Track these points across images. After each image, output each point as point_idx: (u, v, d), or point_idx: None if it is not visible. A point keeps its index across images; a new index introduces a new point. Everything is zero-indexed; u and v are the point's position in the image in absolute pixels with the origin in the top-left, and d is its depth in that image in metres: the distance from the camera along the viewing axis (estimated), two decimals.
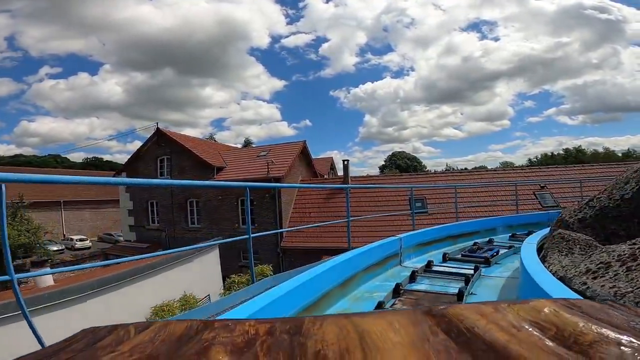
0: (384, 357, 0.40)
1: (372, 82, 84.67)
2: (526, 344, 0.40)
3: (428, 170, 43.20)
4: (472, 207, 12.81)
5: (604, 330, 0.42)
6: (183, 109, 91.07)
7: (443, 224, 4.82)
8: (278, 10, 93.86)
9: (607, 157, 42.13)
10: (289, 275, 2.98)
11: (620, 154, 44.91)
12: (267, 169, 15.28)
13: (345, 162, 16.37)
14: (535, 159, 50.85)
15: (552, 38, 71.97)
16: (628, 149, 47.91)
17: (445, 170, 42.54)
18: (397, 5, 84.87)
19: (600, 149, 48.86)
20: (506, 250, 3.77)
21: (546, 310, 0.47)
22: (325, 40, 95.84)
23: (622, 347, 0.39)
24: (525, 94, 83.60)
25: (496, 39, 77.00)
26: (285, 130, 79.16)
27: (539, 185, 13.60)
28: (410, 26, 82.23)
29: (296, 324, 0.49)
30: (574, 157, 44.27)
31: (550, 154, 51.99)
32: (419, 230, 3.88)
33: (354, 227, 14.56)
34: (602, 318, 0.45)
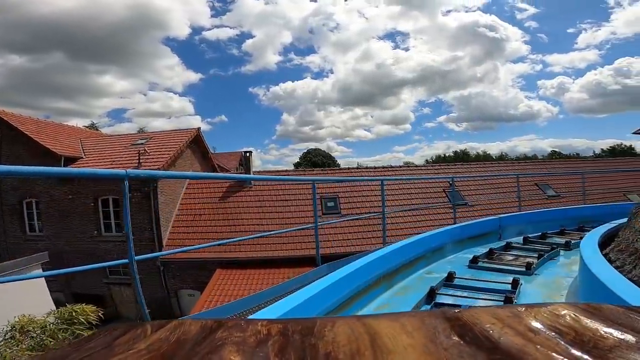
0: None
1: (293, 82, 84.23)
2: (543, 348, 0.39)
3: (342, 168, 43.39)
4: (398, 210, 11.61)
5: (625, 336, 0.41)
6: (73, 96, 75.75)
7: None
8: (204, 2, 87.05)
9: (486, 158, 48.88)
10: None
11: (494, 157, 52.75)
12: (137, 160, 11.61)
13: (247, 154, 13.75)
14: (430, 159, 56.32)
15: (450, 52, 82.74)
16: (501, 153, 57.11)
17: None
18: (326, 10, 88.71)
19: (480, 152, 57.18)
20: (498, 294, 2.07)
21: (564, 314, 0.46)
22: (250, 36, 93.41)
23: None
24: (424, 102, 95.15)
25: (406, 49, 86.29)
26: (197, 124, 73.50)
27: (448, 182, 13.30)
28: (335, 30, 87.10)
29: (308, 324, 0.49)
30: (461, 159, 50.17)
31: (442, 156, 58.54)
32: (334, 278, 1.70)
33: (258, 231, 12.39)
34: (623, 323, 0.44)
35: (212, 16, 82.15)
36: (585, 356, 0.37)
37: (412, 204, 12.28)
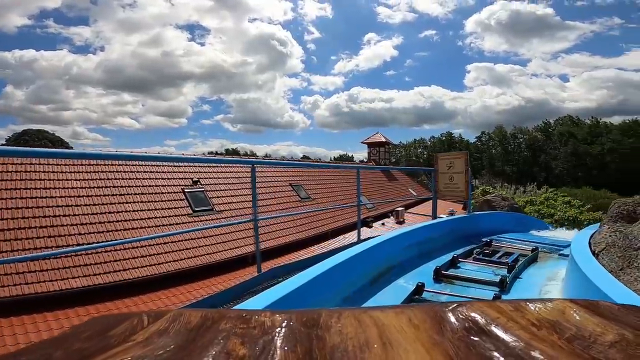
0: (405, 352, 0.38)
1: (38, 51, 67.05)
2: (546, 342, 0.39)
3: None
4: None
5: (624, 332, 0.41)
6: None
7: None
8: None
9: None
10: None
11: (262, 158, 57.09)
12: None
13: None
14: (202, 156, 54.30)
15: (242, 56, 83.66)
16: (266, 154, 62.73)
17: None
18: None
19: (249, 152, 60.79)
20: None
21: (566, 309, 0.47)
22: None
23: None
24: (206, 99, 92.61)
25: (202, 44, 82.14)
26: None
27: (191, 180, 9.74)
28: (127, 7, 70.45)
29: (313, 316, 0.48)
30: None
31: (215, 152, 57.46)
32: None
33: None
34: (621, 320, 0.45)
35: None
36: (587, 352, 0.38)
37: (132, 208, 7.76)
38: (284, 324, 0.46)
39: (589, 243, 2.03)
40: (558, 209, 10.81)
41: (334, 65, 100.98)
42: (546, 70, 71.21)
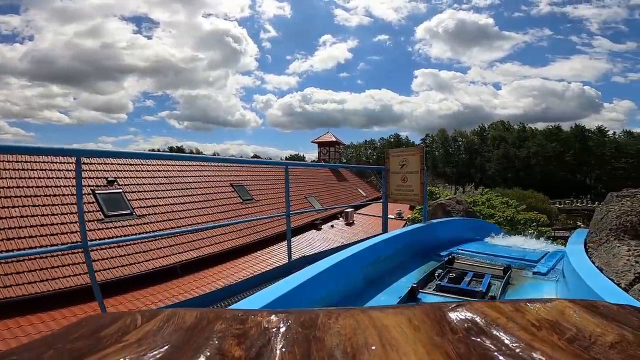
0: (405, 354, 0.37)
1: None
2: (547, 343, 0.39)
3: None
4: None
5: (624, 332, 0.40)
6: None
7: None
8: None
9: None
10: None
11: (210, 156, 54.34)
12: None
13: None
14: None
15: (193, 51, 78.14)
16: (214, 153, 59.79)
17: None
18: None
19: (194, 150, 57.63)
20: None
21: (565, 310, 0.46)
22: None
23: None
24: (149, 94, 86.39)
25: (149, 38, 76.34)
26: None
27: (105, 179, 8.17)
28: None
29: (311, 316, 0.46)
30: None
31: (157, 150, 53.70)
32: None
33: None
34: (620, 320, 0.44)
35: None
36: (587, 352, 0.37)
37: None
38: (281, 325, 0.44)
39: (597, 266, 1.48)
40: (497, 209, 11.05)
41: (288, 65, 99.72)
42: (483, 78, 77.52)
